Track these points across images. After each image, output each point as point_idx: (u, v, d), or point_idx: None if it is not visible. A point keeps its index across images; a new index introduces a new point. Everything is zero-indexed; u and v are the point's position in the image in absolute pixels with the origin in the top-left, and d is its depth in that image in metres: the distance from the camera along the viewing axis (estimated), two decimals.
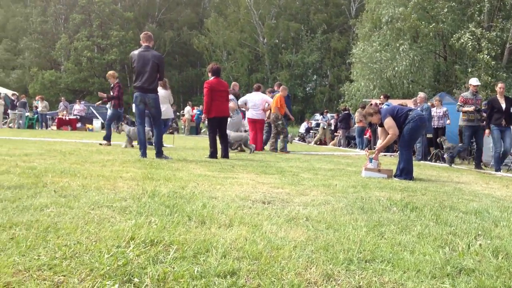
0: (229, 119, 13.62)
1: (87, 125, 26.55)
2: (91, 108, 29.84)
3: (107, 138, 12.20)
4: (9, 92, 28.50)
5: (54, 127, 26.17)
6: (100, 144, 12.19)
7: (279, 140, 13.22)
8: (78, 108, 27.92)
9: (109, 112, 12.97)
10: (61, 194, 4.02)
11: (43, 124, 25.42)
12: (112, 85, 12.76)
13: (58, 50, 50.61)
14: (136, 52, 8.35)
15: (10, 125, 24.49)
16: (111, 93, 12.61)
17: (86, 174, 5.45)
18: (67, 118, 26.08)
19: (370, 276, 2.32)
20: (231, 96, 13.35)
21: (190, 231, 2.94)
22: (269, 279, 2.18)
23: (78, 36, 50.03)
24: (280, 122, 12.95)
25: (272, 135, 13.23)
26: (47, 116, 26.67)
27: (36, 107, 25.58)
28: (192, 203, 3.86)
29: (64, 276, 2.08)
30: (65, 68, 49.88)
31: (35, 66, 51.11)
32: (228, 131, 12.34)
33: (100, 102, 14.15)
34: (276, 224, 3.29)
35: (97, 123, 26.99)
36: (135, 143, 11.49)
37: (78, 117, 27.07)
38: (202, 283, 2.06)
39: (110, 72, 13.16)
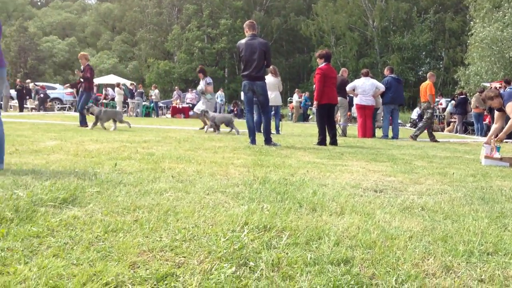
0: (202, 99, 13.83)
1: None
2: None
3: (85, 122, 12.16)
4: (128, 82, 30.46)
5: (169, 115, 27.62)
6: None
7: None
8: (190, 96, 29.13)
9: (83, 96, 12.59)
10: (178, 179, 4.24)
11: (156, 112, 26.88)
12: (82, 68, 12.50)
13: (171, 41, 53.04)
14: (243, 41, 8.53)
15: (129, 113, 26.19)
16: (82, 75, 12.38)
17: (200, 160, 5.69)
18: (180, 106, 27.38)
19: (492, 269, 2.19)
20: (208, 79, 13.60)
21: (302, 218, 2.97)
22: (384, 268, 2.14)
23: (189, 27, 52.03)
24: (430, 110, 12.54)
25: (423, 123, 12.77)
26: (162, 105, 28.20)
27: (152, 96, 27.14)
28: (302, 190, 3.89)
29: (184, 257, 2.20)
30: (178, 58, 52.19)
31: (151, 56, 54.05)
32: (212, 113, 12.46)
33: (68, 85, 14.05)
34: (389, 213, 3.22)
35: None
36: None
37: (191, 105, 28.26)
38: (316, 270, 2.07)
39: (82, 53, 12.93)
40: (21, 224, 2.57)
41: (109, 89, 28.78)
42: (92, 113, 11.42)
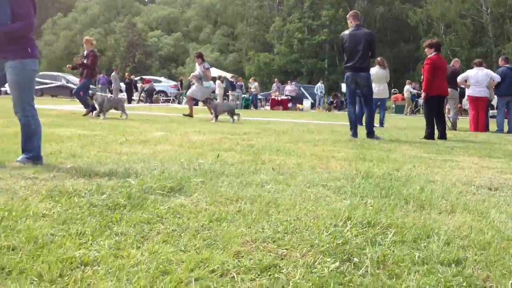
0: (195, 85, 12.97)
1: (298, 105, 27.71)
2: (301, 88, 31.07)
3: (87, 105, 11.88)
4: (228, 75, 31.21)
5: (268, 107, 27.98)
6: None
7: None
8: (290, 88, 29.31)
9: (82, 81, 12.39)
10: (279, 172, 4.29)
11: (254, 103, 27.29)
12: (86, 53, 12.17)
13: (272, 33, 53.51)
14: (346, 32, 8.42)
15: None
16: (85, 61, 12.01)
17: (300, 153, 5.71)
18: (279, 98, 27.61)
19: None
20: (206, 65, 12.96)
21: (408, 215, 2.88)
22: (500, 271, 2.03)
23: (290, 19, 52.17)
24: None
25: None
26: (261, 97, 28.63)
27: (251, 89, 27.63)
28: (409, 186, 3.77)
29: (287, 249, 2.23)
30: (278, 50, 52.56)
31: (251, 49, 54.93)
32: (215, 101, 12.31)
33: (69, 66, 13.13)
34: (505, 212, 3.03)
35: (307, 103, 28.01)
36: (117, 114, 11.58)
37: (290, 97, 28.42)
38: (425, 269, 2.01)
39: (87, 38, 12.54)
40: (133, 210, 2.74)
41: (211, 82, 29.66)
42: (95, 101, 11.30)
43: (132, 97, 28.07)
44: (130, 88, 27.80)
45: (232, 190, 3.39)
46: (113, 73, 26.74)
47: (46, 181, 3.43)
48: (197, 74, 12.63)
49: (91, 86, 13.70)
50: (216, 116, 11.85)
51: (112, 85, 26.45)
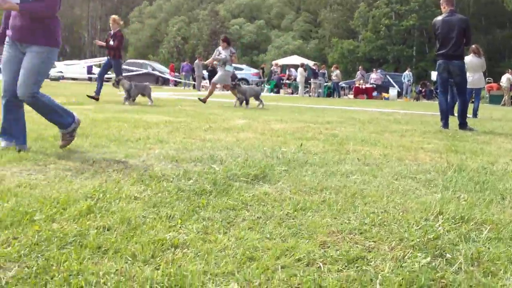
0: (221, 71, 12.30)
1: (383, 94, 27.08)
2: (387, 76, 30.31)
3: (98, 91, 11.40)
4: (310, 63, 31.03)
5: (351, 96, 27.57)
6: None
7: None
8: (375, 76, 28.67)
9: (111, 63, 11.70)
10: (364, 162, 4.23)
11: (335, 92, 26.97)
12: (112, 32, 11.59)
13: (357, 19, 52.50)
14: (439, 18, 8.10)
15: (310, 93, 26.72)
16: (111, 41, 11.44)
17: (386, 144, 5.59)
18: (363, 87, 27.11)
19: None
20: (233, 49, 12.33)
21: (505, 211, 2.75)
22: None
23: (377, 4, 50.91)
24: None
25: None
26: (344, 85, 28.24)
27: (333, 77, 27.30)
28: (505, 181, 3.59)
29: (375, 242, 2.20)
30: (363, 37, 51.52)
31: (334, 36, 54.24)
32: (243, 86, 11.82)
33: (97, 41, 12.64)
34: None
35: (393, 91, 27.30)
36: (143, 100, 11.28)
37: (375, 85, 27.81)
38: None
39: (114, 16, 11.95)
40: (218, 196, 2.82)
41: (292, 70, 29.64)
42: (122, 87, 10.87)
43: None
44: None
45: (316, 180, 3.39)
46: (196, 61, 27.45)
47: (137, 165, 3.60)
48: (222, 57, 12.21)
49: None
50: (247, 101, 11.79)
51: (195, 72, 27.14)
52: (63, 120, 4.08)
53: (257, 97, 12.02)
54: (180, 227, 2.25)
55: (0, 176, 3.02)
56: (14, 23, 3.92)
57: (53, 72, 25.46)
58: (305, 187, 3.17)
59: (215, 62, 13.07)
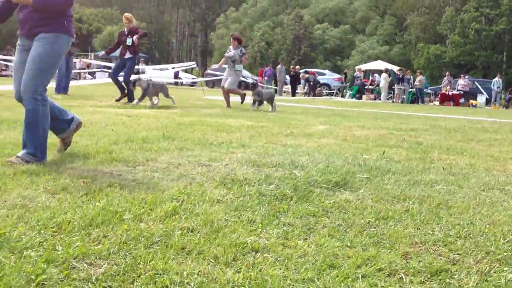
0: (228, 69, 11.74)
1: (471, 101, 25.91)
2: (475, 83, 28.98)
3: (122, 89, 11.07)
4: (395, 68, 30.28)
5: (437, 102, 26.61)
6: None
7: None
8: (462, 83, 27.49)
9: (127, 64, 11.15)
10: (449, 172, 4.09)
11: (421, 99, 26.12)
12: (127, 30, 11.01)
13: (444, 24, 50.63)
14: None
15: (394, 99, 26.07)
16: (128, 40, 10.87)
17: (473, 153, 5.36)
18: (450, 93, 26.09)
19: None
20: (243, 50, 11.76)
21: None
22: None
23: (466, 8, 48.84)
24: None
25: None
26: (429, 91, 27.32)
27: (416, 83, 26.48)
28: None
29: (459, 254, 2.13)
30: (451, 41, 49.58)
31: (421, 41, 52.59)
32: (259, 88, 11.54)
33: (104, 53, 11.97)
34: None
35: (481, 98, 26.07)
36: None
37: (462, 92, 26.68)
38: None
39: (127, 14, 11.36)
40: (299, 202, 2.84)
41: (376, 75, 29.08)
42: (140, 87, 10.32)
43: (296, 90, 28.68)
44: (295, 80, 28.44)
45: (399, 189, 3.32)
46: (279, 66, 27.61)
47: (220, 169, 3.69)
48: (231, 55, 11.73)
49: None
50: (261, 103, 11.53)
51: (277, 77, 27.33)
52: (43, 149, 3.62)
53: (271, 100, 11.70)
54: (260, 232, 2.29)
55: (92, 176, 3.19)
56: (21, 18, 3.59)
57: (144, 77, 26.53)
58: (387, 196, 3.11)
59: (223, 65, 13.05)
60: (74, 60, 14.51)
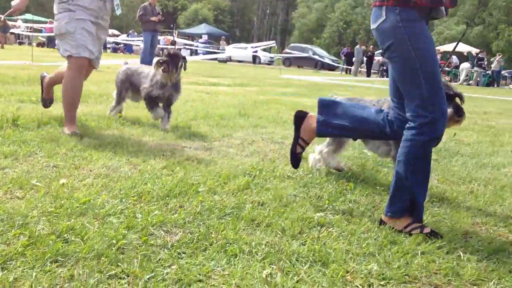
0: None
1: None
2: None
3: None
4: (473, 50, 28.74)
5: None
6: None
7: None
8: None
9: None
10: None
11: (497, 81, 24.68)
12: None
13: None
14: None
15: (470, 82, 24.82)
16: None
17: None
18: None
19: None
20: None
21: None
22: None
23: None
24: None
25: None
26: (507, 75, 25.80)
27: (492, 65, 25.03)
28: None
29: None
30: None
31: (503, 22, 49.44)
32: None
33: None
34: None
35: None
36: None
37: None
38: None
39: None
40: (366, 180, 2.84)
41: (454, 57, 27.72)
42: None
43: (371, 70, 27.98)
44: (370, 61, 27.71)
45: (465, 171, 3.25)
46: (357, 46, 26.99)
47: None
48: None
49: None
50: None
51: (354, 57, 26.77)
52: None
53: None
54: (327, 207, 2.33)
55: (172, 150, 3.29)
56: None
57: (221, 55, 26.52)
58: (453, 177, 3.05)
59: None
60: (159, 37, 14.78)
